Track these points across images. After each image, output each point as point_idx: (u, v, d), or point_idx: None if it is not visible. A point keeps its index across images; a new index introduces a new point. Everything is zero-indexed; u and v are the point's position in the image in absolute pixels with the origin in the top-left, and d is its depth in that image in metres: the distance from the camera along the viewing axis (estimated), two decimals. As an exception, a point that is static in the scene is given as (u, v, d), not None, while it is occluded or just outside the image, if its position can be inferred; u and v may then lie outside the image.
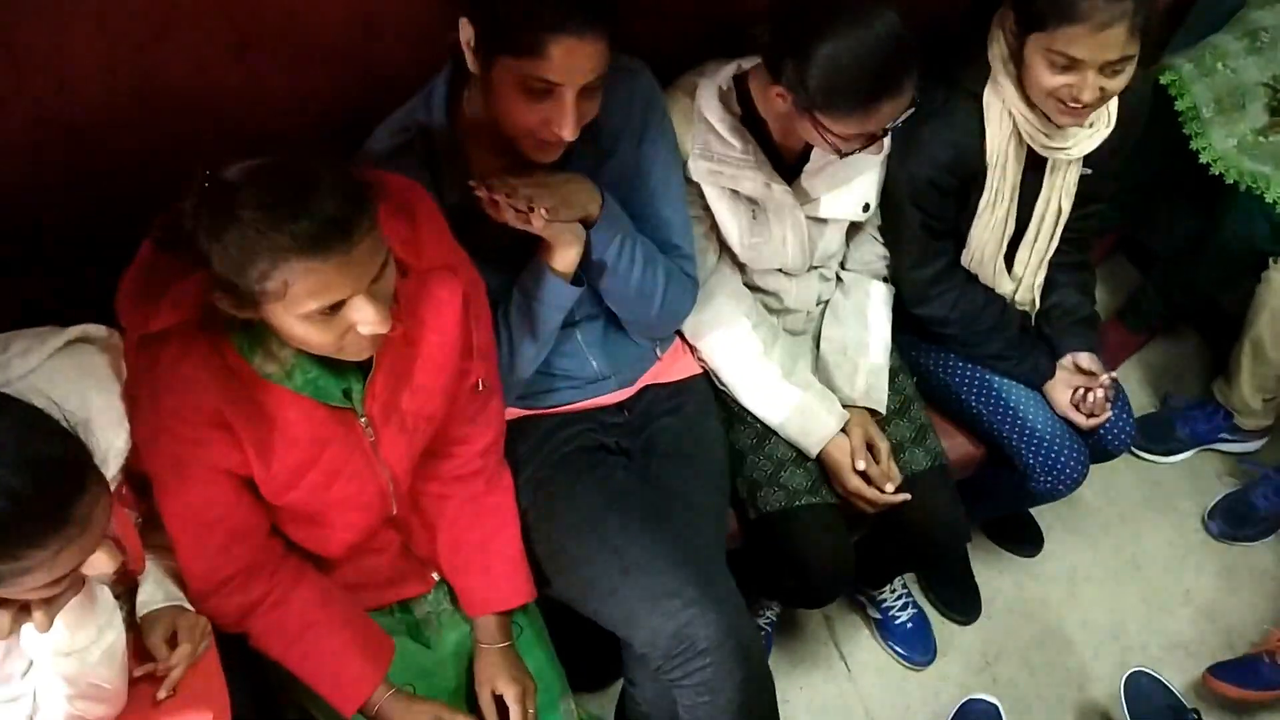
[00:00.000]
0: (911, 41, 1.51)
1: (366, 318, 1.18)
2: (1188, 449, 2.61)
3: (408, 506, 1.55)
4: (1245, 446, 2.61)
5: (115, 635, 1.24)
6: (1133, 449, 2.58)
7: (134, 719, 1.31)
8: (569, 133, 1.39)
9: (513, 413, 1.70)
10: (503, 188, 1.45)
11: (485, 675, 1.56)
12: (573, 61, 1.33)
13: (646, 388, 1.80)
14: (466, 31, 1.37)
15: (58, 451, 1.02)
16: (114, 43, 1.38)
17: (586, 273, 1.60)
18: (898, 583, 2.28)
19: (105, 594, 1.24)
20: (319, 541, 1.49)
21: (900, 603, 2.28)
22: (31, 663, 1.22)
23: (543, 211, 1.44)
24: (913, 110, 1.57)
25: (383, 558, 1.58)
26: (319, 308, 1.15)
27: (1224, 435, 2.59)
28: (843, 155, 1.62)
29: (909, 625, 2.28)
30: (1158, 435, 2.61)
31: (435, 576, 1.62)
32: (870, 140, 1.60)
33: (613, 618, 1.59)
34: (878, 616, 2.30)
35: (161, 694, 1.32)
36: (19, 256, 1.48)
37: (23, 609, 1.09)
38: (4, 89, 1.36)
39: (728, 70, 1.70)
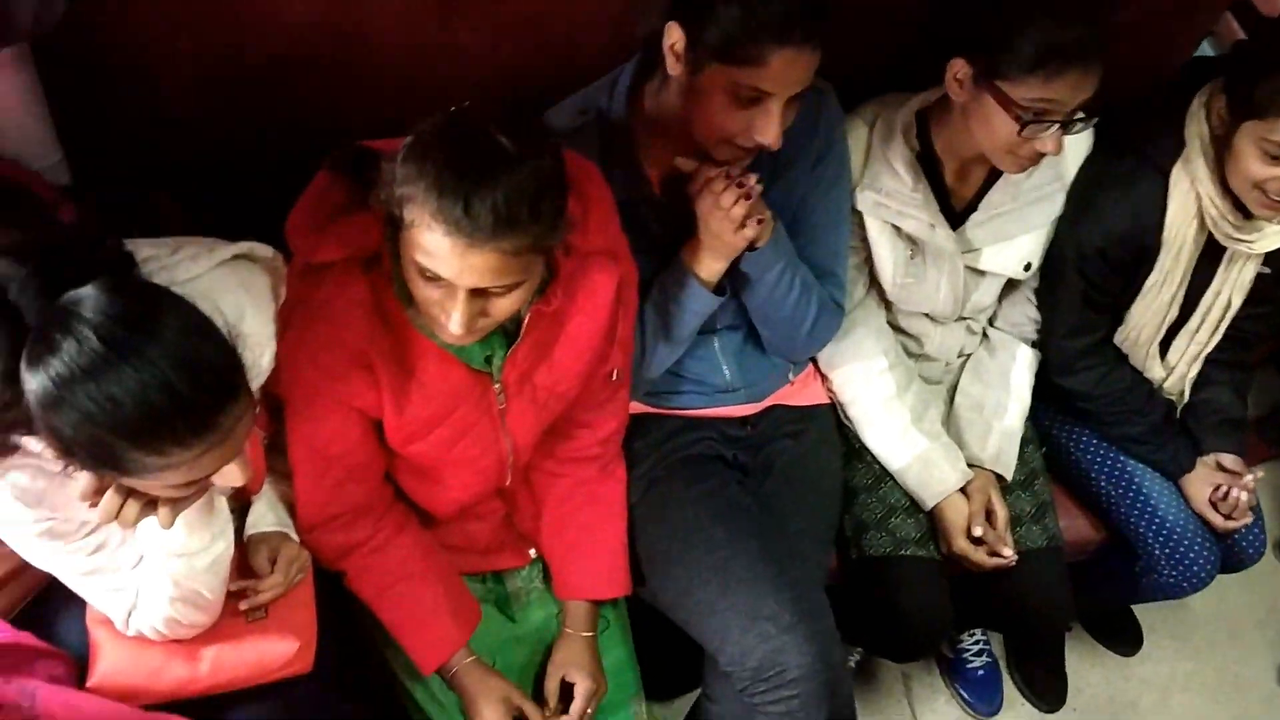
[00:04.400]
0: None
1: (453, 315, 1.19)
2: (1310, 576, 2.49)
3: (520, 479, 1.56)
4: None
5: (225, 546, 1.26)
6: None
7: (224, 634, 1.33)
8: (774, 141, 1.37)
9: (636, 408, 1.69)
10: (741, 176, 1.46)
11: (561, 660, 1.56)
12: (790, 72, 1.32)
13: (773, 407, 1.78)
14: (673, 36, 1.34)
15: (217, 358, 1.05)
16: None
17: (735, 287, 1.59)
18: (978, 630, 2.23)
19: (223, 505, 1.26)
20: (429, 497, 1.50)
21: (976, 648, 2.23)
22: (141, 558, 1.25)
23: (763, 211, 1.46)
24: (1094, 117, 1.52)
25: (485, 525, 1.59)
26: (423, 267, 1.16)
27: (1350, 570, 2.46)
28: (1022, 129, 1.49)
29: (980, 672, 2.23)
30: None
31: (532, 553, 1.62)
32: (1051, 120, 1.49)
33: (704, 629, 1.56)
34: (950, 656, 2.25)
35: (244, 606, 1.34)
36: (203, 174, 1.53)
37: (149, 504, 1.12)
38: (221, 10, 1.41)
39: (912, 104, 1.67)
